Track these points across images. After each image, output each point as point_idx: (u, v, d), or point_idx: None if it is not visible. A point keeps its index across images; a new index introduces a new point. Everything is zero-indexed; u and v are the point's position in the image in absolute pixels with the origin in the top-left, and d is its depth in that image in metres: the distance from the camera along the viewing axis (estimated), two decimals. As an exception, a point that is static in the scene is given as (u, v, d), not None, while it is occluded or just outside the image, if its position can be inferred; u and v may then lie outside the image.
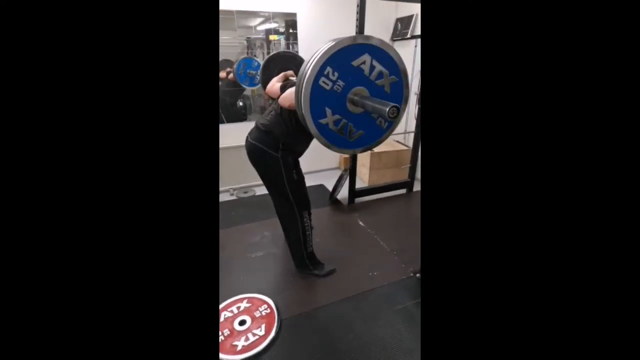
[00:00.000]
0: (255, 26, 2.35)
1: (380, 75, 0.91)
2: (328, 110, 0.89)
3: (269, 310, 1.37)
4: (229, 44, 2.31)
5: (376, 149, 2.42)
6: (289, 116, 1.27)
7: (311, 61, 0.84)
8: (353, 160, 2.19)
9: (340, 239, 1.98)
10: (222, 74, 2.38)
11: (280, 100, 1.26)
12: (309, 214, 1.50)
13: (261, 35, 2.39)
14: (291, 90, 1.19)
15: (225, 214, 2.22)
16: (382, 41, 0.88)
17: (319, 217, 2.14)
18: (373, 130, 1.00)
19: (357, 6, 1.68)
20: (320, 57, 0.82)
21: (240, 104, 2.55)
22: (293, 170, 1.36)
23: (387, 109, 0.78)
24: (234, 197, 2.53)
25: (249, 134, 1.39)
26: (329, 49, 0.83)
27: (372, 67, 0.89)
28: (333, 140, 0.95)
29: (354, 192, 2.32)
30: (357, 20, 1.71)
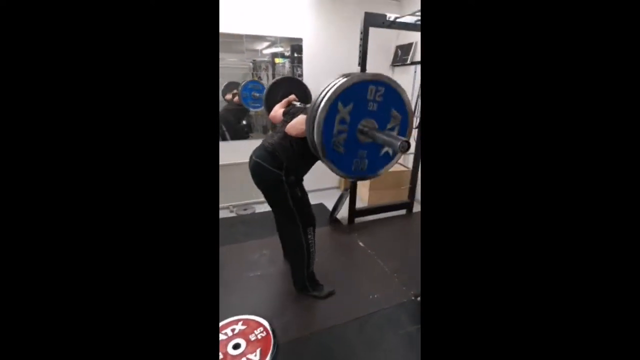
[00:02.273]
0: (261, 50, 2.45)
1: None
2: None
3: (264, 334, 1.32)
4: (237, 66, 2.40)
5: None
6: (290, 142, 1.32)
7: (329, 88, 0.86)
8: (354, 180, 2.20)
9: (340, 259, 1.94)
10: (228, 96, 2.45)
11: (287, 128, 1.31)
12: (314, 229, 1.49)
13: (267, 59, 2.49)
14: (298, 119, 1.27)
15: (224, 230, 2.19)
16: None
17: (319, 236, 2.09)
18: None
19: (361, 32, 1.76)
20: (338, 87, 0.85)
21: (244, 122, 2.60)
22: (296, 187, 1.37)
23: (399, 143, 0.80)
24: (233, 214, 2.51)
25: (254, 152, 1.41)
26: (351, 78, 0.85)
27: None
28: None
29: (354, 212, 2.31)
30: (360, 46, 1.78)
